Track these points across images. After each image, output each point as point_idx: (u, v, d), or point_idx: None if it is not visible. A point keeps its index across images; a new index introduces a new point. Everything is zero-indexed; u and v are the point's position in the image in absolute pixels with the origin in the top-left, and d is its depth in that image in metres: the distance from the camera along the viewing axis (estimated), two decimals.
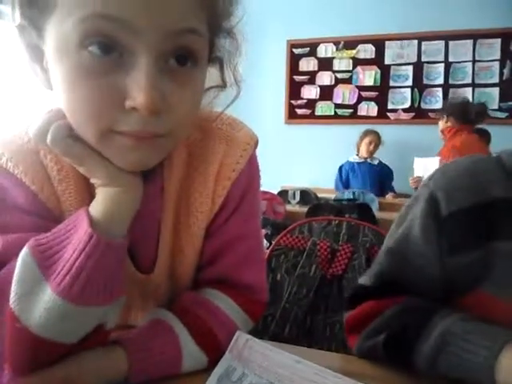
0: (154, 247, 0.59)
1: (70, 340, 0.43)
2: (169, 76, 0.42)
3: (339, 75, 4.16)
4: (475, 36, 3.75)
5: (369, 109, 4.08)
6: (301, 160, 4.15)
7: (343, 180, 3.73)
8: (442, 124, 2.91)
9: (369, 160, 3.68)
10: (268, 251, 1.12)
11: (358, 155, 3.74)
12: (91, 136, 0.43)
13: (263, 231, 1.93)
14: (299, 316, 1.06)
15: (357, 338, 0.61)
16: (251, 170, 0.60)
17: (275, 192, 2.75)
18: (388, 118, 4.02)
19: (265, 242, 1.85)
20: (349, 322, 0.65)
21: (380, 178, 3.62)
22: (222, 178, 0.57)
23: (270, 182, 2.99)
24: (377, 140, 3.67)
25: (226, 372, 0.49)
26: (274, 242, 1.13)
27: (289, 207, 2.65)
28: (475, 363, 0.47)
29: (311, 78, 4.25)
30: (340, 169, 3.79)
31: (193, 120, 0.49)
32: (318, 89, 4.23)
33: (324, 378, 0.49)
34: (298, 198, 2.87)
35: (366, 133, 3.70)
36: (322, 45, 4.19)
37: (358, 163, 3.70)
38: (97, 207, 0.45)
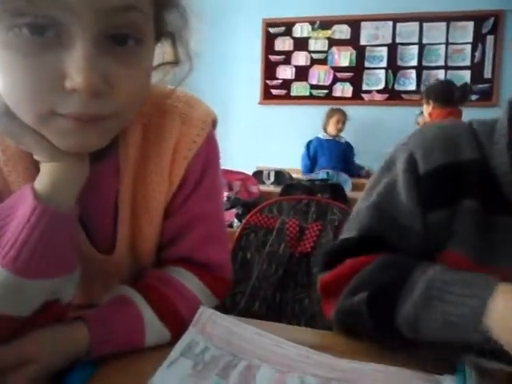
0: (113, 228, 0.58)
1: (19, 313, 0.43)
2: (111, 55, 0.40)
3: (315, 55, 4.15)
4: (449, 18, 3.79)
5: (344, 90, 4.10)
6: (276, 141, 4.14)
7: (310, 155, 3.78)
8: (428, 108, 2.63)
9: (336, 138, 3.75)
10: (238, 230, 1.13)
11: (326, 133, 3.79)
12: (30, 119, 0.42)
13: (234, 210, 1.94)
14: (268, 293, 1.08)
15: (333, 303, 0.59)
16: (209, 148, 0.59)
17: (250, 172, 2.76)
18: (362, 99, 4.05)
19: (236, 221, 1.87)
20: (324, 283, 0.63)
21: (345, 154, 3.72)
22: (179, 158, 0.56)
23: (246, 163, 2.99)
24: (343, 118, 3.73)
25: (188, 345, 0.50)
26: (244, 221, 1.14)
27: (263, 187, 2.67)
28: (460, 315, 0.46)
29: (287, 57, 4.21)
30: (308, 144, 3.82)
31: (142, 99, 0.47)
32: (294, 69, 4.20)
33: (284, 349, 0.51)
34: (272, 178, 2.90)
35: (333, 112, 3.74)
36: (297, 24, 4.15)
37: (327, 140, 3.75)
38: (41, 181, 0.45)
